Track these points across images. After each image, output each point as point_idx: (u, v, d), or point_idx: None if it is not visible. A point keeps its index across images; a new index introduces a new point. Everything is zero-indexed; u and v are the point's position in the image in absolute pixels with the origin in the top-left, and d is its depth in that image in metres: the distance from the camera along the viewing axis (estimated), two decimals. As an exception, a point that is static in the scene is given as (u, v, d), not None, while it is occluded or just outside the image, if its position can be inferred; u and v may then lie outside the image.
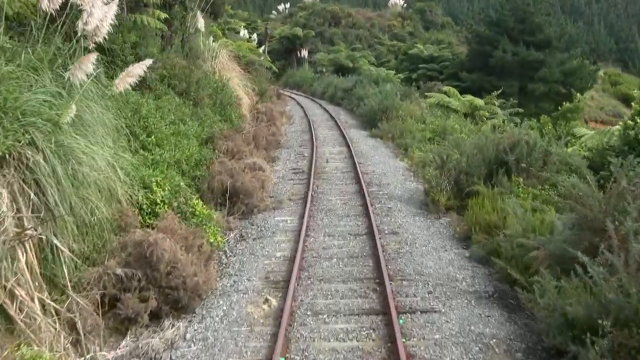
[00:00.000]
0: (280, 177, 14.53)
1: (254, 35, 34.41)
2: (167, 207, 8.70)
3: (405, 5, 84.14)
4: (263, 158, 15.65)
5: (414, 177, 14.76)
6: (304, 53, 57.10)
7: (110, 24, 8.03)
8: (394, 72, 49.58)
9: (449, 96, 32.10)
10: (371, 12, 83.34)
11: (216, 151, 12.54)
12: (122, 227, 7.46)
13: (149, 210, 8.49)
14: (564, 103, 27.70)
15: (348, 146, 18.78)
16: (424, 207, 11.59)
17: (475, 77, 43.12)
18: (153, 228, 7.75)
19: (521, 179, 11.03)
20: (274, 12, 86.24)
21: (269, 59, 36.64)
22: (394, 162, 16.72)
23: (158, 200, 8.62)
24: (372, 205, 11.57)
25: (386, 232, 10.01)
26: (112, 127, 8.41)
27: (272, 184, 13.47)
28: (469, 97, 31.63)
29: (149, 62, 8.53)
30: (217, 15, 27.90)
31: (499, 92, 30.19)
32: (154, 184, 8.74)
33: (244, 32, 32.67)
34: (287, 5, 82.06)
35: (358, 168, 14.96)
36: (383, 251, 8.78)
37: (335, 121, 25.77)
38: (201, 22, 18.21)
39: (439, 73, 48.15)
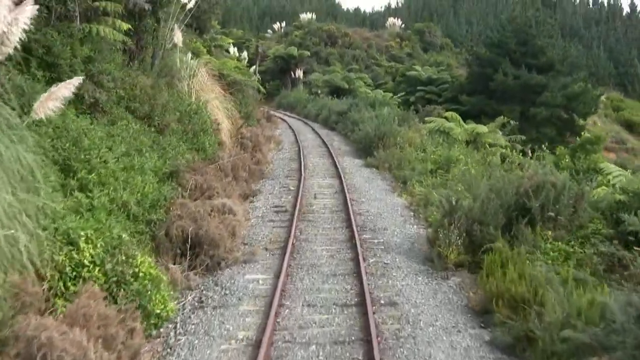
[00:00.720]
0: (259, 216, 12.46)
1: (244, 54, 32.48)
2: (99, 270, 6.64)
3: (403, 25, 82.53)
4: (241, 194, 13.68)
5: (415, 218, 12.75)
6: (299, 73, 55.11)
7: (56, 34, 6.15)
8: (391, 94, 47.80)
9: (449, 121, 30.18)
10: (368, 32, 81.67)
11: (180, 189, 10.48)
12: (17, 308, 5.41)
13: (73, 274, 6.43)
14: (583, 133, 25.32)
15: (340, 178, 16.74)
16: (428, 263, 9.50)
17: (475, 101, 41.35)
18: (52, 312, 5.71)
19: (549, 232, 9.01)
20: (269, 30, 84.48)
21: (260, 78, 34.72)
22: (392, 198, 14.69)
23: (86, 261, 6.55)
24: (364, 260, 9.45)
25: (382, 301, 7.87)
26: (26, 166, 6.38)
27: (248, 227, 11.44)
28: (472, 124, 29.71)
29: (77, 81, 6.65)
30: (203, 30, 26.04)
31: (504, 120, 28.28)
32: (82, 239, 6.67)
33: (233, 50, 30.73)
34: (283, 24, 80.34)
35: (350, 207, 12.89)
36: (378, 335, 6.64)
37: (328, 147, 23.71)
38: (179, 37, 16.26)
39: (438, 96, 46.23)
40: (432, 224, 11.62)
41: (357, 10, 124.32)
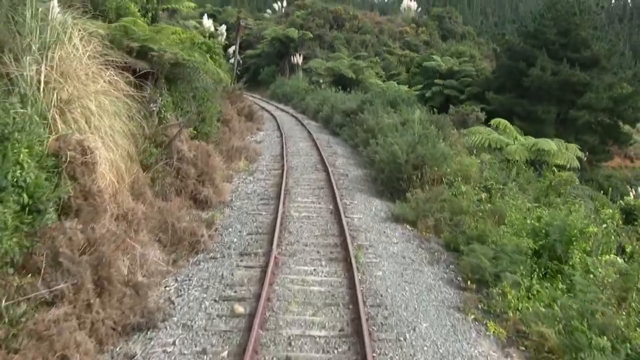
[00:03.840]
0: None
1: (222, 28, 23.85)
2: None
3: (419, 10, 73.44)
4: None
5: None
6: (299, 59, 45.91)
7: None
8: (407, 87, 39.25)
9: (498, 132, 21.56)
10: (380, 16, 72.66)
11: None
12: None
13: None
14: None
15: (349, 262, 8.20)
16: None
17: (504, 99, 33.66)
18: None
19: None
20: (268, 10, 75.54)
21: (240, 61, 26.07)
22: (473, 352, 6.15)
23: None
24: None
25: None
26: None
27: None
28: (531, 139, 21.06)
29: None
30: (148, -14, 17.54)
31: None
32: None
33: (209, 23, 22.21)
34: (284, 4, 71.23)
35: None
36: None
37: (328, 173, 14.78)
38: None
39: (459, 92, 37.38)
40: None
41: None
